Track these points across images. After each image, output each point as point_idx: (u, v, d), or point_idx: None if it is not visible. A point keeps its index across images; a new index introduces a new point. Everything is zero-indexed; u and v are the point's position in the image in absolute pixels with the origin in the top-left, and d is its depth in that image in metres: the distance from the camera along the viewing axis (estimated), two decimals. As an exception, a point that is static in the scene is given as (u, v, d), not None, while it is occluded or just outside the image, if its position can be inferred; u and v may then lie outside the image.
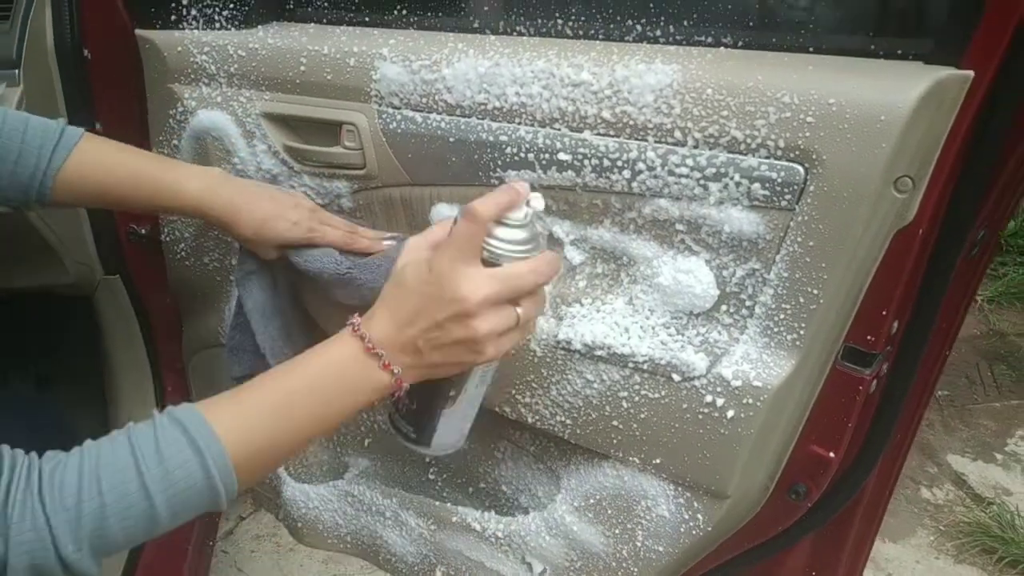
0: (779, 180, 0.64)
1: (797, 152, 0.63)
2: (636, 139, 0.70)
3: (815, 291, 0.66)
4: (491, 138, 0.77)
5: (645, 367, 0.75)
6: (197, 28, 0.93)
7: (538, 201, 0.63)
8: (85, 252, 1.17)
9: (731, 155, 0.66)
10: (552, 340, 0.80)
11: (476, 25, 0.82)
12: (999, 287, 2.86)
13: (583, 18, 0.77)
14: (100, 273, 1.20)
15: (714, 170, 0.67)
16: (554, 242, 0.80)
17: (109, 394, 1.30)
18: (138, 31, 0.96)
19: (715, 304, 0.73)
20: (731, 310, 0.72)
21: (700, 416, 0.74)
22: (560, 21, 0.78)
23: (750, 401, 0.71)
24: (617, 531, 0.85)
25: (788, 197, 0.65)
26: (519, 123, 0.76)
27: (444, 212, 0.84)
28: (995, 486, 2.08)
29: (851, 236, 0.63)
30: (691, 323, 0.75)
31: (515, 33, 0.80)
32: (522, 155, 0.76)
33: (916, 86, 0.58)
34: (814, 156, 0.62)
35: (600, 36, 0.76)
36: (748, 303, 0.71)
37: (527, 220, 0.62)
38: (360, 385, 0.62)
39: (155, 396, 1.28)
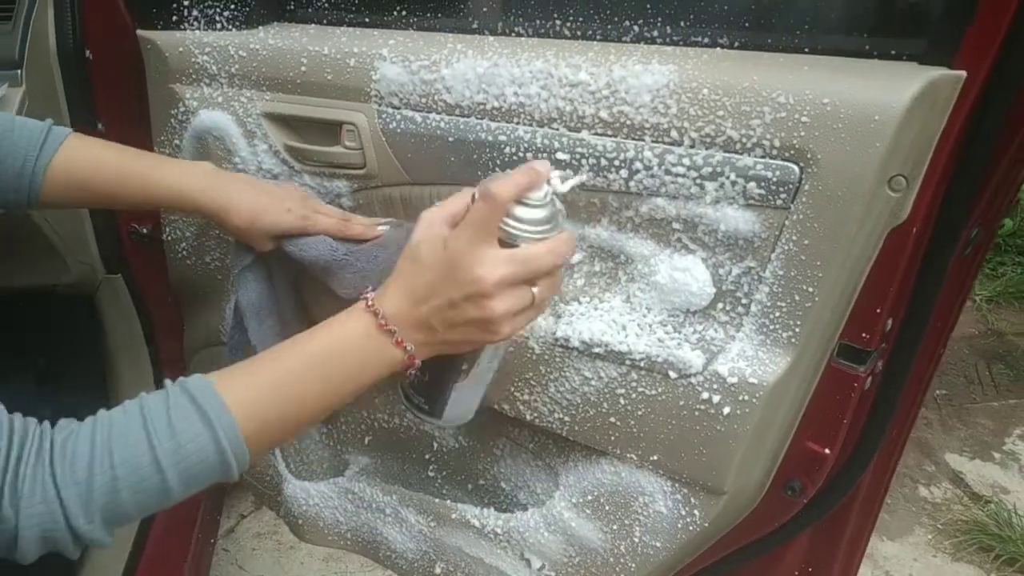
0: (774, 179, 0.65)
1: (792, 151, 0.64)
2: (633, 139, 0.71)
3: (810, 289, 0.67)
4: (490, 138, 0.78)
5: (642, 364, 0.76)
6: (198, 29, 0.93)
7: (559, 182, 0.61)
8: (87, 251, 1.17)
9: (727, 154, 0.67)
10: (550, 338, 0.81)
11: (475, 26, 0.83)
12: (997, 287, 2.86)
13: (581, 19, 0.77)
14: (102, 272, 1.20)
15: (710, 169, 0.67)
16: None
17: (110, 393, 1.30)
18: (139, 32, 0.96)
19: (711, 302, 0.73)
20: (727, 308, 0.73)
21: (697, 413, 0.75)
22: (558, 22, 0.78)
23: (746, 398, 0.72)
24: (615, 527, 0.85)
25: (783, 196, 0.65)
26: (518, 123, 0.76)
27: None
28: (993, 484, 2.09)
29: (846, 234, 0.64)
30: (688, 321, 0.75)
31: (513, 34, 0.80)
32: (521, 154, 0.77)
33: (910, 86, 0.58)
34: (809, 155, 0.63)
35: (598, 37, 0.77)
36: (744, 301, 0.71)
37: (547, 200, 0.60)
38: (372, 361, 0.62)
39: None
